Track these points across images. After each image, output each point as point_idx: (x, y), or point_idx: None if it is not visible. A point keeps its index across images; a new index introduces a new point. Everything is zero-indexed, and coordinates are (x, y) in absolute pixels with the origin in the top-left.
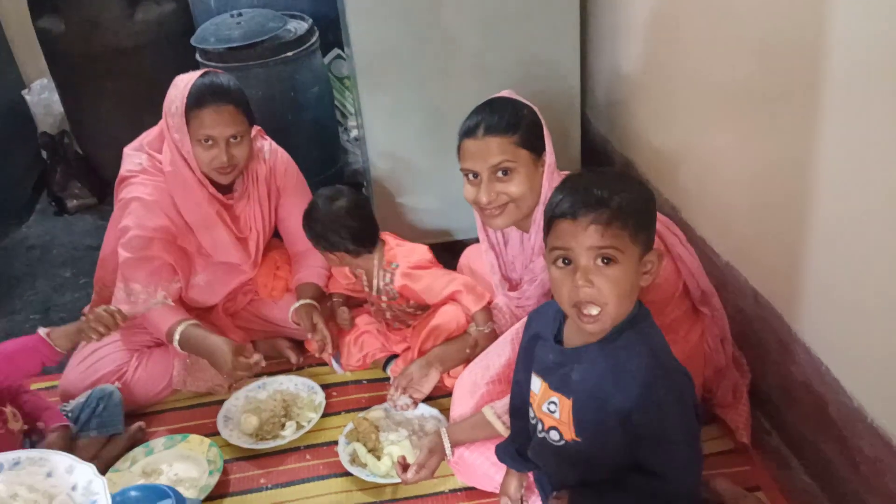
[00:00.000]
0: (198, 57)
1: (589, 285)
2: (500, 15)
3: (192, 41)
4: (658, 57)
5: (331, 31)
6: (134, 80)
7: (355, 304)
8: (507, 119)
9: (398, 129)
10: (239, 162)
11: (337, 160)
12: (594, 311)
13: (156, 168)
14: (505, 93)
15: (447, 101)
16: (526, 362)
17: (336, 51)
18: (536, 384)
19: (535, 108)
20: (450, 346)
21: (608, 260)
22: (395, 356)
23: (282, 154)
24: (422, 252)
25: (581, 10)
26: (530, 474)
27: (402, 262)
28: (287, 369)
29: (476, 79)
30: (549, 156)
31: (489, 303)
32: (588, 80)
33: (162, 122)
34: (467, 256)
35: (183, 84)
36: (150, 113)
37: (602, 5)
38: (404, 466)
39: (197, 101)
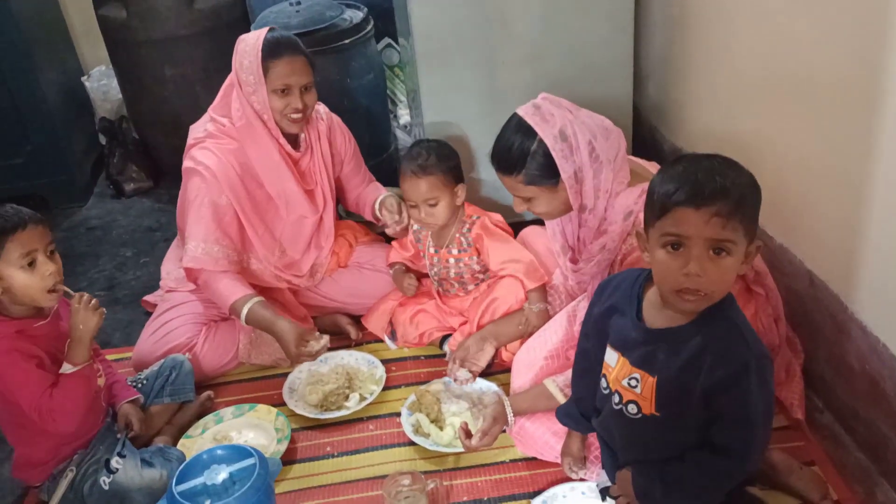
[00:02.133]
0: None
1: (701, 274)
2: (557, 3)
3: (253, 28)
4: (711, 46)
5: (381, 21)
6: (191, 66)
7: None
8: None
9: (455, 114)
10: (310, 109)
11: (388, 146)
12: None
13: (222, 130)
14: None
15: (502, 86)
16: (598, 333)
17: (387, 40)
18: (613, 357)
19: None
20: (505, 322)
21: (720, 251)
22: (450, 334)
23: (335, 116)
24: (496, 216)
25: (636, 1)
26: (593, 443)
27: (482, 214)
28: (347, 345)
29: (531, 65)
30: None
31: (545, 284)
32: (640, 70)
33: (229, 81)
34: (524, 237)
35: (254, 39)
36: (206, 99)
37: None
38: (467, 433)
39: (272, 52)
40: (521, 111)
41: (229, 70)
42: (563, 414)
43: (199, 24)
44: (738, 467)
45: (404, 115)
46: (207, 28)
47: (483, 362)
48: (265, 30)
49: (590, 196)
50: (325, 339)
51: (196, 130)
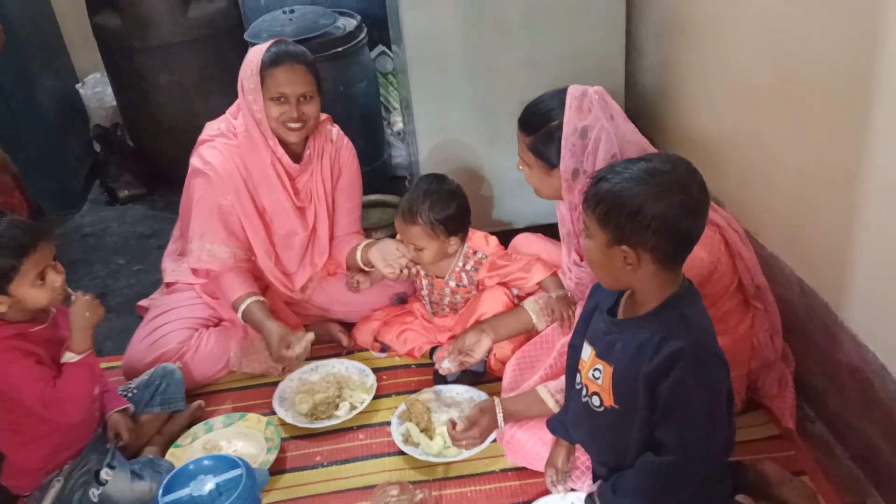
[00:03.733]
0: None
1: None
2: (549, 10)
3: (246, 36)
4: (702, 53)
5: (376, 29)
6: (185, 74)
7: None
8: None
9: (448, 121)
10: (308, 120)
11: (382, 154)
12: None
13: (233, 132)
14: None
15: (496, 93)
16: (583, 330)
17: (381, 47)
18: (587, 352)
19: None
20: (504, 317)
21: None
22: (438, 346)
23: (348, 142)
24: (493, 241)
25: (627, 8)
26: (581, 455)
27: (487, 251)
28: (338, 353)
29: (524, 71)
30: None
31: (554, 273)
32: (632, 76)
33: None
34: (515, 245)
35: (258, 49)
36: (200, 106)
37: (648, 3)
38: (454, 425)
39: (271, 61)
40: (571, 88)
41: (224, 77)
42: (556, 423)
43: (193, 32)
44: (680, 468)
45: (398, 123)
46: (202, 36)
47: (478, 354)
48: (272, 41)
49: None
50: (308, 337)
51: (210, 128)
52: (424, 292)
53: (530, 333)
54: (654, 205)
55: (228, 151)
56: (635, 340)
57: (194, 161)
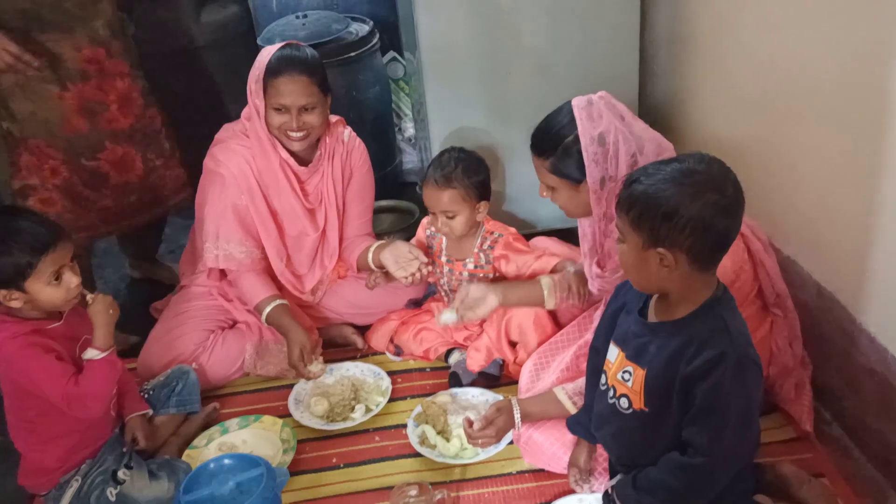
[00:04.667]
0: None
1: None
2: (563, 17)
3: (259, 41)
4: (716, 58)
5: (387, 35)
6: (199, 79)
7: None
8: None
9: (462, 126)
10: (310, 129)
11: (394, 158)
12: None
13: (245, 133)
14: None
15: (510, 99)
16: (607, 331)
17: (392, 53)
18: (613, 353)
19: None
20: (515, 283)
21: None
22: (455, 348)
23: (360, 143)
24: (511, 229)
25: (641, 15)
26: (601, 454)
27: (504, 232)
28: (353, 356)
29: (538, 77)
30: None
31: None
32: (646, 82)
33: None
34: (534, 246)
35: (265, 53)
36: (213, 110)
37: (661, 10)
38: (470, 424)
39: (274, 70)
40: (574, 101)
41: (236, 82)
42: (574, 422)
43: (206, 37)
44: (708, 470)
45: (409, 129)
46: (214, 40)
47: (481, 312)
48: (281, 44)
49: None
50: (323, 367)
51: (226, 129)
52: (443, 280)
53: (540, 317)
54: (690, 205)
55: (241, 152)
56: (671, 344)
57: (208, 162)
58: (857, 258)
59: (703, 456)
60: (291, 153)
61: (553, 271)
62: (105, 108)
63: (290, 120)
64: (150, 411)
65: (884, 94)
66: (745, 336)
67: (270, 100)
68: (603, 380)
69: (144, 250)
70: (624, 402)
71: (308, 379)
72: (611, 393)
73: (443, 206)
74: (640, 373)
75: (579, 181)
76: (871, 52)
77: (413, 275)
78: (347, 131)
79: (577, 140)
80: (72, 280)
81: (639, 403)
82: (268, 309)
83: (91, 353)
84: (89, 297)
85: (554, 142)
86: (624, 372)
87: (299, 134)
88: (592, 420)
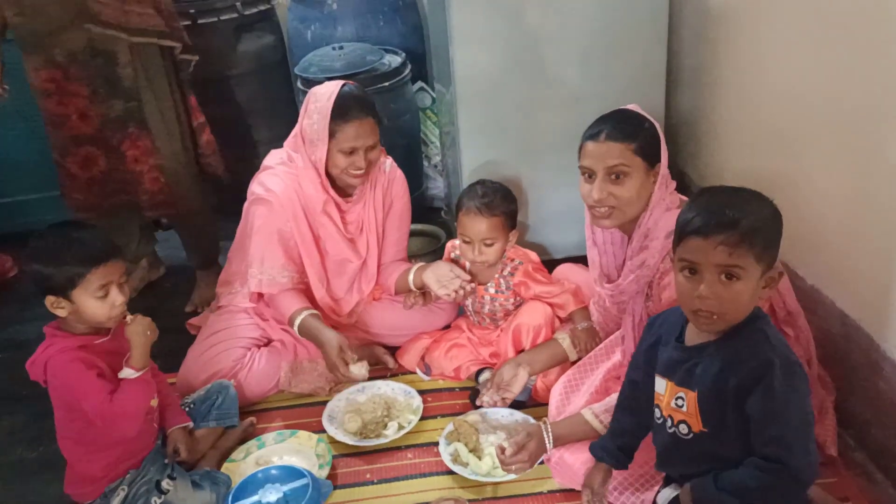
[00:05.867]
0: (299, 84)
1: (711, 297)
2: (593, 51)
3: (296, 70)
4: (741, 91)
5: (415, 65)
6: (235, 106)
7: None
8: (629, 128)
9: (493, 155)
10: (372, 165)
11: (421, 185)
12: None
13: (292, 160)
14: (631, 106)
15: (539, 129)
16: (647, 366)
17: (420, 83)
18: (661, 385)
19: (657, 124)
20: (539, 349)
21: (731, 276)
22: (486, 368)
23: (400, 174)
24: (533, 255)
25: (668, 50)
26: (618, 474)
27: (523, 258)
28: (383, 375)
29: (568, 108)
30: (663, 168)
31: (586, 306)
32: (671, 114)
33: (298, 129)
34: (559, 274)
35: (326, 96)
36: (248, 136)
37: (686, 46)
38: (503, 450)
39: (341, 114)
40: (630, 106)
41: (270, 110)
42: (599, 448)
43: (242, 66)
44: (794, 475)
45: (435, 157)
46: (250, 69)
47: (516, 389)
48: (338, 85)
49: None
50: (366, 369)
51: (273, 156)
52: (468, 302)
53: (565, 366)
54: (776, 214)
55: (289, 179)
56: (717, 361)
57: (256, 189)
58: (880, 286)
59: (779, 462)
60: (335, 186)
61: (568, 319)
62: (67, 119)
63: (360, 160)
64: (192, 424)
65: None
66: (786, 344)
67: (340, 144)
68: (657, 413)
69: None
70: (683, 428)
71: (352, 382)
72: (668, 423)
73: (483, 235)
74: (692, 395)
75: (653, 166)
76: (891, 84)
77: (456, 291)
78: (389, 161)
79: (652, 126)
80: (117, 298)
81: (697, 426)
82: (299, 319)
83: (126, 373)
84: (129, 317)
85: (637, 126)
86: (677, 398)
87: (361, 171)
88: (662, 460)
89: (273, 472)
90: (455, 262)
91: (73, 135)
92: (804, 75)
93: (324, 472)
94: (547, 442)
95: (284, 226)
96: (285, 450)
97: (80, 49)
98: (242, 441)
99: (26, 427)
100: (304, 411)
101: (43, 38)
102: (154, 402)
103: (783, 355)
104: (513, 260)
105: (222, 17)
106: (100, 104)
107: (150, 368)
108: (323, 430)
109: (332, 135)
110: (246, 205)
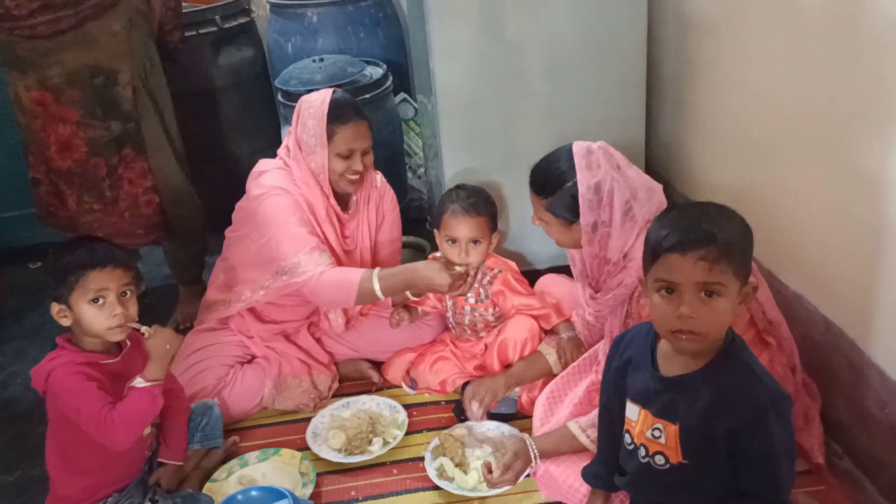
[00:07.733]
0: (279, 97)
1: (694, 316)
2: (571, 63)
3: (277, 83)
4: (722, 100)
5: (398, 77)
6: (215, 119)
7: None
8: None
9: (475, 166)
10: (368, 171)
11: (404, 196)
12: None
13: (289, 169)
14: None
15: (520, 141)
16: (617, 389)
17: (403, 95)
18: (633, 412)
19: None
20: (525, 364)
21: (711, 293)
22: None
23: (390, 188)
24: (512, 264)
25: (648, 61)
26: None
27: (502, 267)
28: (367, 390)
29: (547, 120)
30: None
31: (568, 319)
32: (652, 125)
33: (290, 141)
34: (543, 285)
35: (319, 102)
36: (228, 150)
37: (667, 59)
38: (490, 469)
39: (337, 116)
40: (575, 148)
41: (249, 123)
42: (592, 475)
43: (222, 79)
44: None
45: (419, 168)
46: (230, 83)
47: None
48: (328, 92)
49: (615, 251)
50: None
51: (265, 163)
52: (449, 314)
53: (549, 377)
54: (746, 228)
55: (292, 182)
56: (703, 397)
57: (257, 191)
58: (863, 292)
59: (767, 497)
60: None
61: (552, 331)
62: (46, 148)
63: (356, 163)
64: (185, 467)
65: (891, 131)
66: (769, 375)
67: (338, 147)
68: (628, 439)
69: None
70: (660, 459)
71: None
72: (641, 452)
73: (470, 234)
74: (673, 428)
75: (572, 222)
76: (868, 94)
77: (463, 281)
78: (379, 176)
79: (574, 186)
80: (115, 308)
81: (676, 458)
82: (374, 281)
83: (136, 381)
84: (145, 330)
85: (553, 184)
86: (654, 429)
87: (357, 176)
88: (630, 486)
89: (253, 493)
90: None
91: (49, 166)
92: (783, 85)
93: (308, 491)
94: (533, 458)
95: (303, 213)
96: (268, 468)
97: (80, 68)
98: (225, 460)
99: (5, 449)
100: (288, 428)
101: (41, 56)
102: (147, 431)
103: (773, 392)
104: (492, 269)
105: (201, 31)
106: (93, 128)
107: (166, 388)
108: (307, 448)
109: (330, 138)
110: (247, 205)
